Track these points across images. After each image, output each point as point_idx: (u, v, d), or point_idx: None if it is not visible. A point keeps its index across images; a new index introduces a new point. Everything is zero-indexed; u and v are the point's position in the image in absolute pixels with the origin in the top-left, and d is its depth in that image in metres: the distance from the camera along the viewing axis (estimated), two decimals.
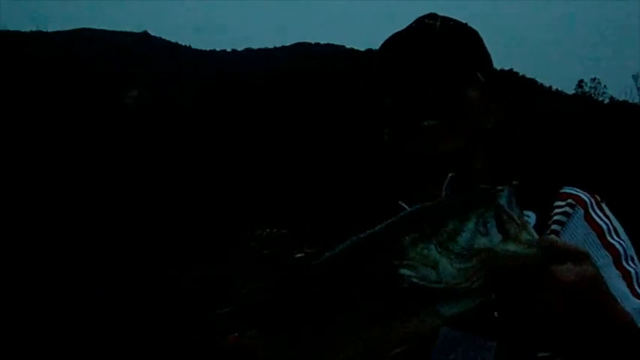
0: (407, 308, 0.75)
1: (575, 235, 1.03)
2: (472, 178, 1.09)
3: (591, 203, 1.08)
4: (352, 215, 0.96)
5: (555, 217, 1.05)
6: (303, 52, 73.91)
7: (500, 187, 0.80)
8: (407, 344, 0.76)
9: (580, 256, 0.76)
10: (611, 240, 1.03)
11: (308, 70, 52.19)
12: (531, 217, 1.04)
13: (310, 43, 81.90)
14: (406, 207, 1.16)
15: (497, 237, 0.75)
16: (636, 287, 0.97)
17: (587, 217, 1.06)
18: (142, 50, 68.04)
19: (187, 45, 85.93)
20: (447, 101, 1.11)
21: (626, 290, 0.96)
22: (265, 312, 0.83)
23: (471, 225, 0.76)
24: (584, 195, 1.09)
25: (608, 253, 1.01)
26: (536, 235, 0.76)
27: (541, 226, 1.03)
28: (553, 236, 0.80)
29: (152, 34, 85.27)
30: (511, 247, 0.75)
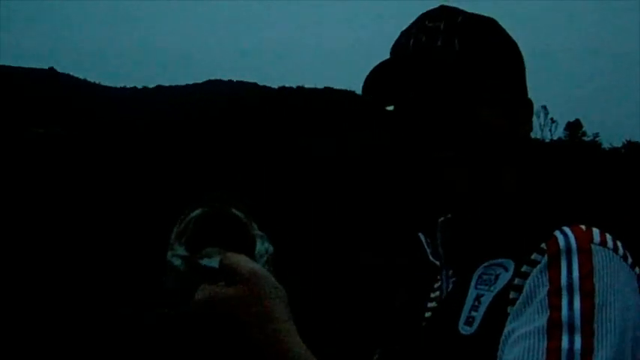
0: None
1: (529, 287, 0.86)
2: (501, 202, 0.99)
3: (568, 249, 0.85)
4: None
5: (522, 268, 0.88)
6: (214, 89, 73.72)
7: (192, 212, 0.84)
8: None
9: (234, 277, 0.77)
10: (561, 300, 0.81)
11: (218, 109, 52.26)
12: (510, 267, 0.91)
13: (222, 80, 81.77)
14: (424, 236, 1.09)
15: (170, 252, 0.83)
16: (561, 354, 0.78)
17: (551, 266, 0.85)
18: (49, 87, 66.22)
19: (96, 82, 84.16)
20: (460, 126, 0.97)
21: None
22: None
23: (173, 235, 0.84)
24: (564, 238, 0.87)
25: (546, 314, 0.82)
26: (181, 251, 0.81)
27: (516, 277, 0.89)
28: (232, 255, 0.78)
29: (59, 70, 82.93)
30: (172, 260, 0.82)
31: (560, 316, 0.80)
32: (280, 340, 0.76)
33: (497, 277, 0.92)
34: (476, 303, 0.92)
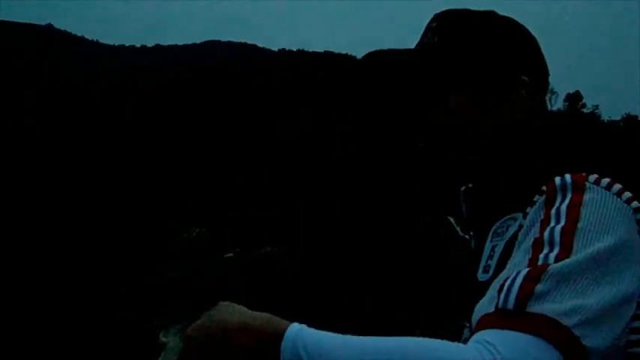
0: None
1: (528, 222, 0.93)
2: (503, 175, 1.06)
3: (563, 186, 0.91)
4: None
5: (527, 210, 0.95)
6: (212, 49, 73.15)
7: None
8: None
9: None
10: (548, 224, 0.89)
11: (216, 69, 51.81)
12: (518, 218, 0.98)
13: (220, 42, 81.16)
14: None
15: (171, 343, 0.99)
16: (538, 262, 0.86)
17: (547, 202, 0.91)
18: (46, 43, 65.59)
19: (94, 39, 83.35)
20: (425, 117, 1.06)
21: (518, 269, 0.87)
22: None
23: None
24: (560, 179, 0.92)
25: (533, 237, 0.90)
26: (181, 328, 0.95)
27: (522, 220, 0.96)
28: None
29: (57, 27, 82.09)
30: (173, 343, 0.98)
31: (543, 235, 0.88)
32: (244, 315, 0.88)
33: (507, 227, 1.02)
34: (491, 253, 1.02)
